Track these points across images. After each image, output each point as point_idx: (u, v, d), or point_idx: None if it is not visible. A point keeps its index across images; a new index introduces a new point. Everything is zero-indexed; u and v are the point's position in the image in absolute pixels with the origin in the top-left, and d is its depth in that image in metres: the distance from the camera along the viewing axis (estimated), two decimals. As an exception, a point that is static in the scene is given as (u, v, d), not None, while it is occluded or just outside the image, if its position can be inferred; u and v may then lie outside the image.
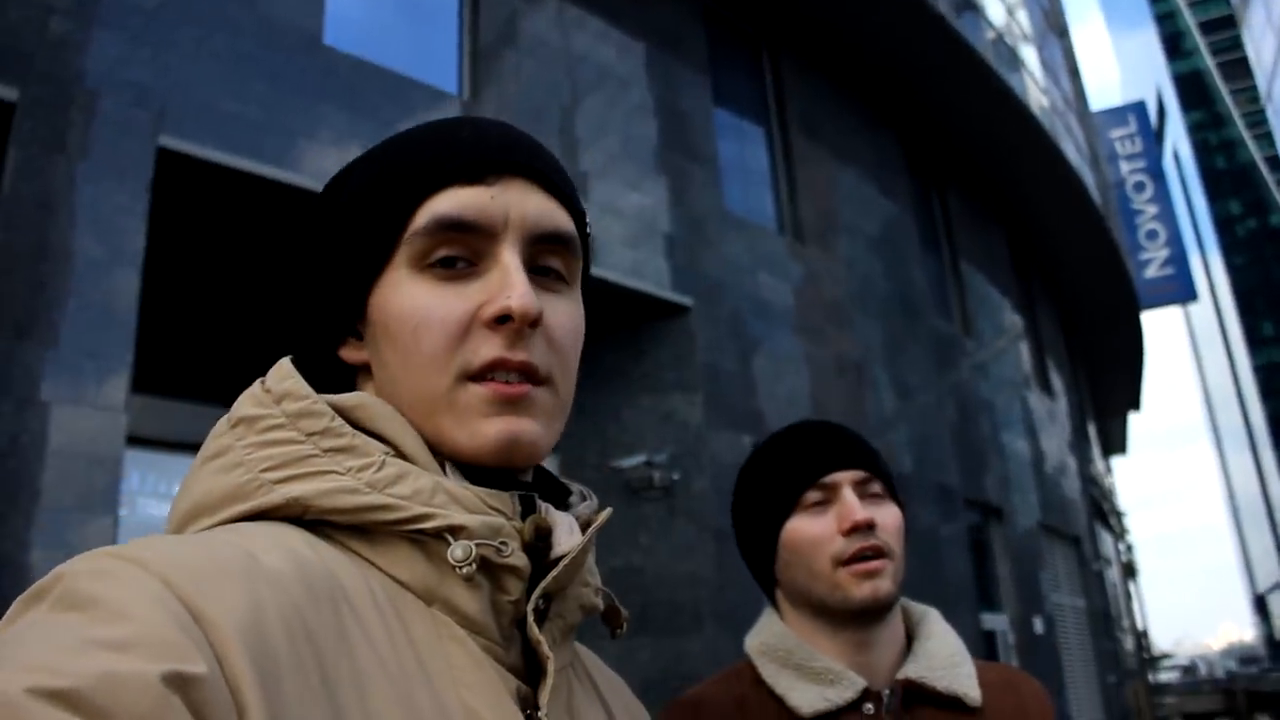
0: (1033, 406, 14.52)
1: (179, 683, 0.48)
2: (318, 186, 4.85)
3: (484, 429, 0.68)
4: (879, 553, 1.20)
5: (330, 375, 0.76)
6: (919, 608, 1.33)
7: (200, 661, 0.49)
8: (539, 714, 0.65)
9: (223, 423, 0.71)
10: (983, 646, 10.71)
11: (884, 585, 1.20)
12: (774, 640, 1.26)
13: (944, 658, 1.23)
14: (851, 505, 1.21)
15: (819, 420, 1.34)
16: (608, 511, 0.77)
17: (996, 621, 11.44)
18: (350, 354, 0.76)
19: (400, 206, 0.70)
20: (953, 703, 1.20)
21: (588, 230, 0.79)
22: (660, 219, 7.56)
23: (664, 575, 6.77)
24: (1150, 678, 25.10)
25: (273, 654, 0.54)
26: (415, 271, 0.70)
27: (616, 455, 6.97)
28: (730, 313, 7.95)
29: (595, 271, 6.75)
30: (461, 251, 0.70)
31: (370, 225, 0.71)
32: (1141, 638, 25.63)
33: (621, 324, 7.29)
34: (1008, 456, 12.77)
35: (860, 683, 1.19)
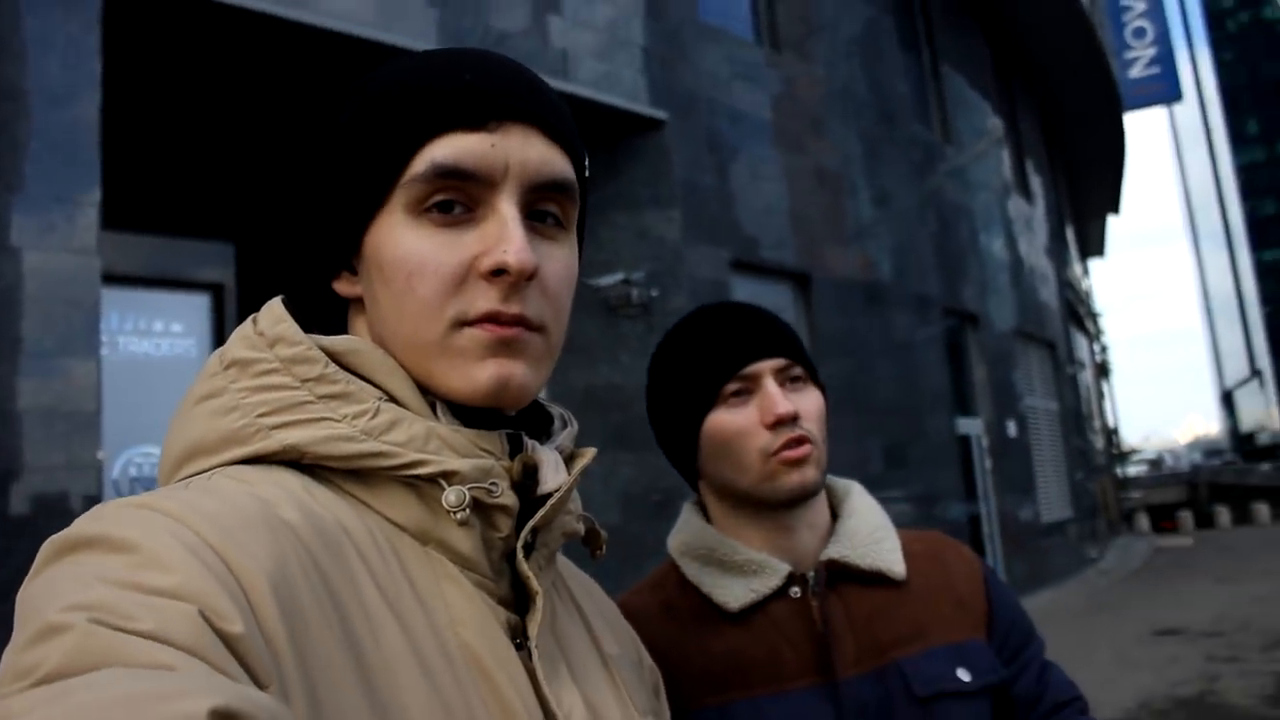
0: (1011, 212, 14.49)
1: (224, 638, 0.51)
2: (265, 7, 4.62)
3: (476, 373, 0.68)
4: (804, 441, 1.18)
5: (322, 305, 0.77)
6: (842, 484, 1.31)
7: (238, 620, 0.52)
8: (529, 643, 0.69)
9: (214, 362, 0.71)
10: (957, 450, 11.06)
11: (810, 473, 1.18)
12: (694, 539, 1.25)
13: (865, 535, 1.23)
14: (774, 397, 1.17)
15: (734, 303, 1.28)
16: (592, 452, 0.79)
17: (971, 426, 11.77)
18: (344, 288, 0.75)
19: (398, 150, 0.69)
20: (876, 578, 1.21)
21: (586, 172, 0.78)
22: (633, 30, 7.30)
23: (644, 392, 6.88)
24: (1118, 472, 26.05)
25: (299, 604, 0.57)
26: (411, 216, 0.69)
27: (594, 274, 6.96)
28: (706, 126, 7.80)
29: (565, 87, 6.58)
30: (459, 198, 0.69)
31: (366, 166, 0.70)
32: (1112, 435, 26.45)
33: (594, 140, 7.15)
34: (985, 263, 12.84)
35: (784, 569, 1.19)
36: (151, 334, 5.92)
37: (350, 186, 0.71)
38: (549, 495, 0.72)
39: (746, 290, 7.83)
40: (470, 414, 0.71)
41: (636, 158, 7.26)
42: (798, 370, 1.22)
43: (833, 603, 1.18)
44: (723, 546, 1.21)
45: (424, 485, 0.67)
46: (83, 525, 0.56)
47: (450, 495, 0.66)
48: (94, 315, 4.15)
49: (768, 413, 1.17)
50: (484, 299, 0.68)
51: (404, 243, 0.69)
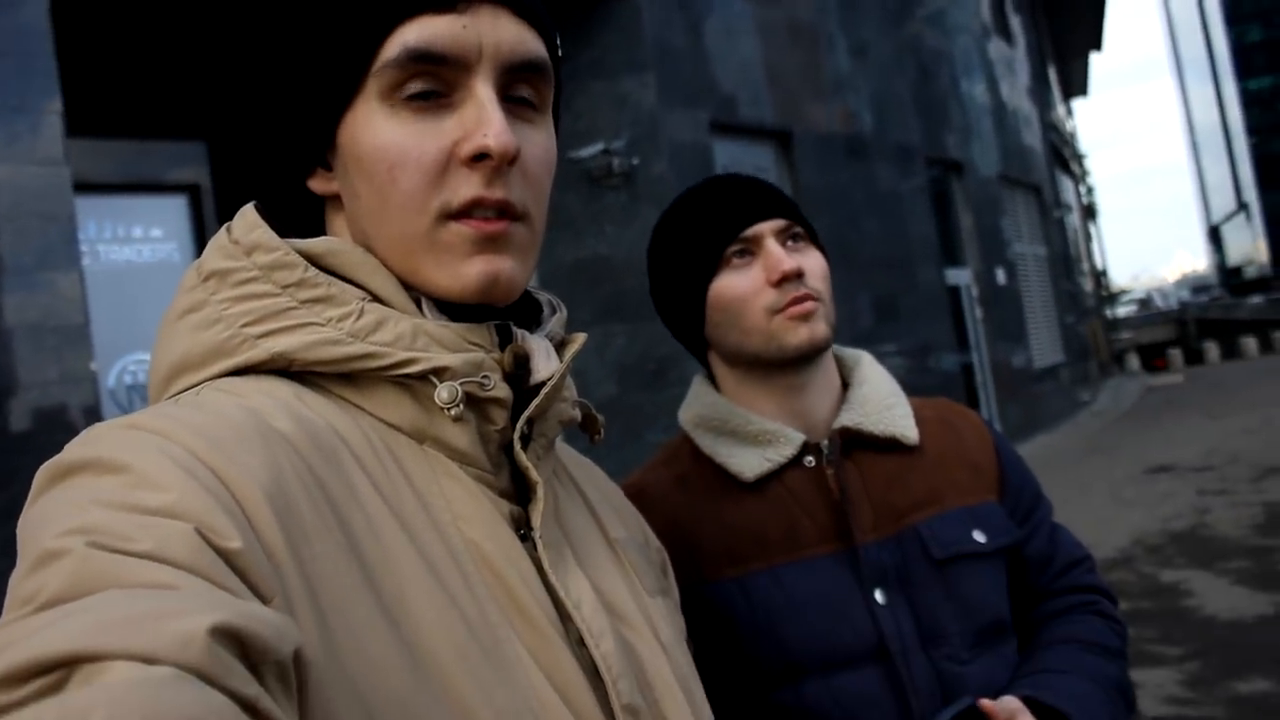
0: (992, 55, 14.21)
1: (223, 554, 0.51)
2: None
3: (465, 270, 0.68)
4: (810, 298, 1.18)
5: (297, 206, 0.75)
6: (851, 354, 1.32)
7: (236, 535, 0.52)
8: (533, 533, 0.69)
9: (191, 275, 0.69)
10: (947, 301, 11.10)
11: (819, 328, 1.18)
12: (706, 410, 1.25)
13: (877, 401, 1.23)
14: (778, 255, 1.18)
15: (730, 174, 1.28)
16: (582, 337, 0.79)
17: (960, 276, 11.79)
18: (320, 185, 0.73)
19: (368, 36, 0.67)
20: (890, 444, 1.21)
21: (559, 52, 0.76)
22: (591, -112, 7.03)
23: (632, 261, 6.85)
24: (1108, 314, 26.22)
25: (297, 513, 0.57)
26: (387, 105, 0.67)
27: (574, 146, 6.86)
28: (675, -15, 7.58)
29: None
30: (434, 84, 0.67)
31: (336, 54, 0.68)
32: (1100, 277, 26.56)
33: (565, 7, 6.96)
34: (967, 109, 12.65)
35: (798, 438, 1.19)
36: (131, 240, 5.84)
37: (319, 76, 0.69)
38: (542, 384, 0.71)
39: (727, 152, 7.73)
40: (457, 307, 0.71)
41: (608, 22, 7.06)
42: (798, 230, 1.23)
43: (848, 470, 1.19)
44: (735, 417, 1.22)
45: (415, 384, 0.67)
46: (74, 450, 0.56)
47: (442, 392, 0.66)
48: (70, 226, 4.09)
49: (772, 270, 1.18)
50: (466, 186, 0.67)
51: (382, 132, 0.67)
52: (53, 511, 0.52)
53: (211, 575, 0.49)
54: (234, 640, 0.44)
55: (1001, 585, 1.20)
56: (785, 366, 1.21)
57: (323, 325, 0.66)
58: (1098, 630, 1.24)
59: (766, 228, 1.20)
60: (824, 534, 1.16)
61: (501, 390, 0.69)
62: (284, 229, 0.71)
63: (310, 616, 0.54)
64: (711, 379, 1.31)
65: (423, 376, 0.66)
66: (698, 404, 1.28)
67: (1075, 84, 28.96)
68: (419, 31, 0.66)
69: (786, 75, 8.64)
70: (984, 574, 1.18)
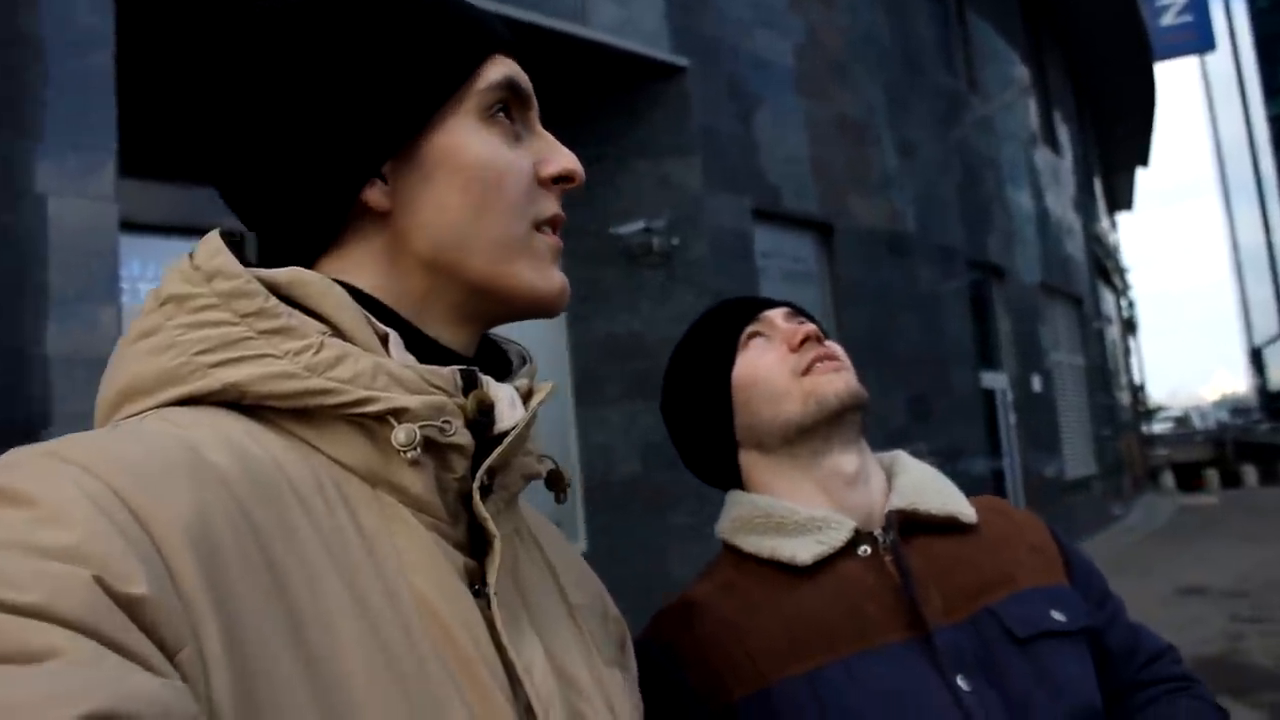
0: (1038, 163, 14.30)
1: (125, 603, 0.47)
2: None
3: (553, 274, 0.75)
4: (834, 356, 1.17)
5: (316, 229, 0.72)
6: (887, 453, 1.28)
7: (142, 580, 0.48)
8: (487, 589, 0.66)
9: (150, 299, 0.67)
10: (982, 404, 11.00)
11: (853, 380, 1.16)
12: (747, 511, 1.19)
13: (927, 483, 1.19)
14: (793, 325, 1.19)
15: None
16: (550, 386, 0.76)
17: (996, 380, 11.70)
18: (376, 197, 0.71)
19: (470, 58, 0.72)
20: (948, 525, 1.16)
21: None
22: (652, -26, 7.20)
23: (665, 340, 6.84)
24: (1144, 430, 25.89)
25: (222, 558, 0.53)
26: (484, 123, 0.72)
27: (614, 222, 6.92)
28: (728, 73, 7.70)
29: (585, 32, 6.50)
30: (507, 115, 0.74)
31: (438, 70, 0.72)
32: (1138, 392, 26.29)
33: (615, 87, 7.07)
34: (1011, 215, 12.69)
35: (849, 523, 1.13)
36: (171, 281, 5.92)
37: (416, 86, 0.70)
38: (506, 434, 0.69)
39: (768, 239, 7.77)
40: (423, 350, 0.69)
41: (657, 105, 7.18)
42: (805, 318, 1.24)
43: (908, 553, 1.12)
44: (780, 508, 1.16)
45: (372, 424, 0.64)
46: None
47: (399, 433, 0.63)
48: (113, 262, 4.16)
49: (792, 335, 1.18)
50: (549, 204, 0.75)
51: (489, 145, 0.72)
52: None
53: (104, 631, 0.45)
54: None
55: (1090, 669, 1.11)
56: (829, 436, 1.16)
57: (279, 358, 0.63)
58: (1198, 711, 1.15)
59: (776, 313, 1.23)
60: (893, 621, 1.08)
61: (462, 437, 0.66)
62: (280, 259, 0.69)
63: (226, 669, 0.50)
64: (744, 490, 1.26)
65: (380, 417, 0.63)
66: (737, 507, 1.21)
67: (1120, 198, 29.04)
68: (510, 68, 0.74)
69: (832, 169, 8.72)
70: (1071, 655, 1.10)
